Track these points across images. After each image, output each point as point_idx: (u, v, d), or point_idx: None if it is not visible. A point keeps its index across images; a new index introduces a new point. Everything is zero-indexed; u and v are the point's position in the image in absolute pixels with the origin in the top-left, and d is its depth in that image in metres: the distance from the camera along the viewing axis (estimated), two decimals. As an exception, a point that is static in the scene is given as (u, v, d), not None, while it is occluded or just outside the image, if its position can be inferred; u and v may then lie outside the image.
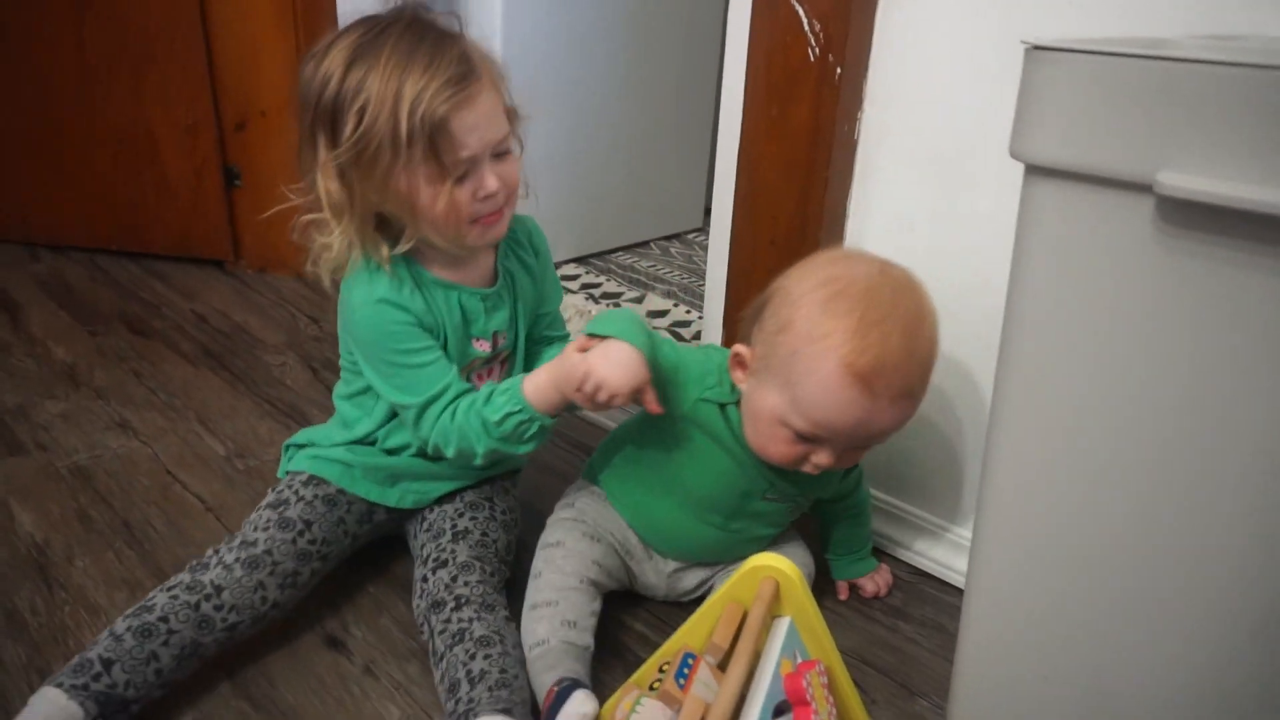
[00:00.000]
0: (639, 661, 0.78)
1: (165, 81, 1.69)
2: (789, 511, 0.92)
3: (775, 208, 0.99)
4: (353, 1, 1.51)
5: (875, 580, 1.00)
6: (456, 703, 0.74)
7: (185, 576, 0.81)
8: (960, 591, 0.73)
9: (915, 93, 0.91)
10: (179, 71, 1.67)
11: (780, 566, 0.69)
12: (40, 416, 1.25)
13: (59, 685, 0.72)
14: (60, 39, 1.69)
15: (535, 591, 0.85)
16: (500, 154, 0.82)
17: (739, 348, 0.82)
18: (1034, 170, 0.51)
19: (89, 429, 1.23)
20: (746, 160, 1.01)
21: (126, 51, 1.68)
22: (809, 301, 0.75)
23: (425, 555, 0.90)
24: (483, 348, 0.91)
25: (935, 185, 0.92)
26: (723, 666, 0.66)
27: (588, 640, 0.82)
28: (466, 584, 0.84)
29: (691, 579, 0.94)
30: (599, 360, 0.76)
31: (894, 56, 0.91)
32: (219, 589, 0.80)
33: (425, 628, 0.83)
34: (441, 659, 0.79)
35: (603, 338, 0.78)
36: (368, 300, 0.83)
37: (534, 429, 0.82)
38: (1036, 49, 0.48)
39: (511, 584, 0.93)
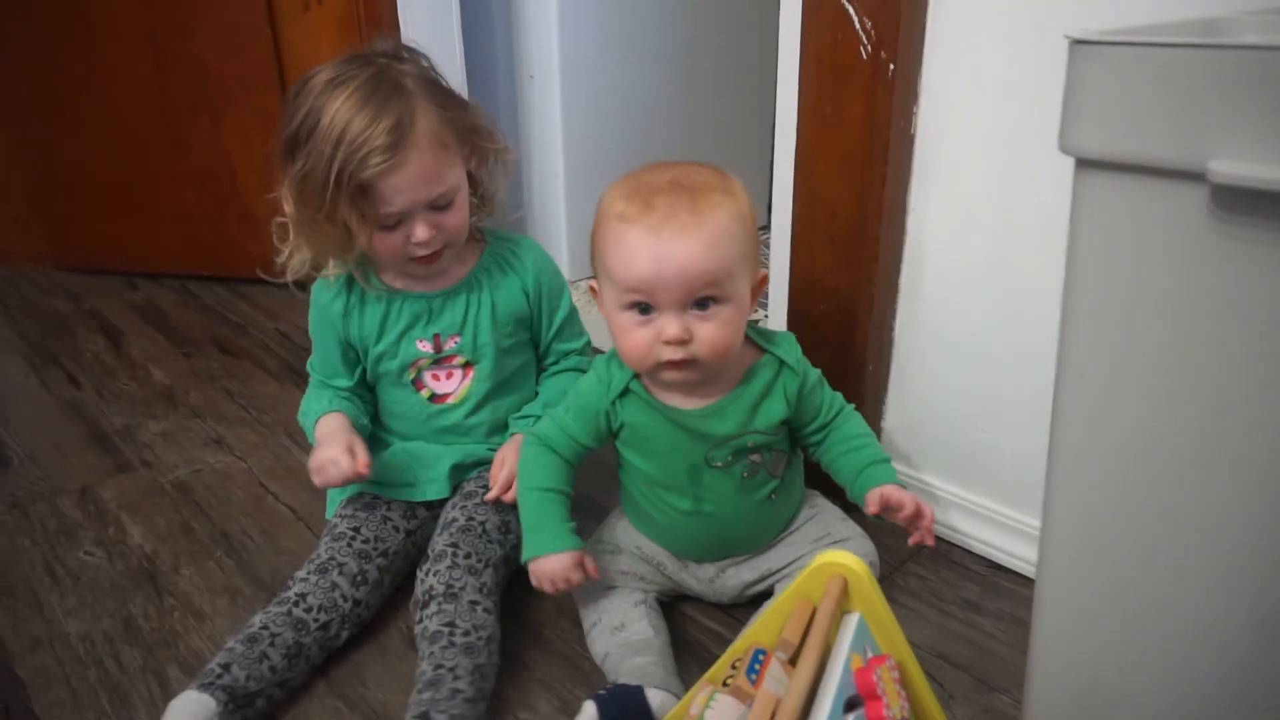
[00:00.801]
0: (714, 659, 0.79)
1: (243, 119, 1.78)
2: (750, 473, 0.87)
3: (833, 206, 1.00)
4: (415, 29, 1.56)
5: (905, 494, 0.83)
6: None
7: (276, 599, 0.89)
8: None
9: (972, 86, 0.90)
10: (256, 109, 1.76)
11: (848, 563, 0.69)
12: (144, 435, 1.34)
13: (187, 689, 0.79)
14: (144, 91, 1.80)
15: (583, 617, 0.91)
16: (440, 206, 0.89)
17: (590, 282, 0.87)
18: (1084, 164, 0.51)
19: (188, 446, 1.31)
20: (804, 160, 1.01)
21: (206, 96, 1.78)
22: (603, 201, 0.82)
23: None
24: (424, 348, 0.98)
25: (996, 178, 0.91)
26: (793, 662, 0.67)
27: (642, 631, 0.85)
28: (435, 574, 0.89)
29: (732, 581, 0.93)
30: (538, 580, 0.86)
31: (948, 51, 0.91)
32: (303, 595, 0.88)
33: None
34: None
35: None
36: (312, 296, 1.01)
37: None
38: (1079, 42, 0.48)
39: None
